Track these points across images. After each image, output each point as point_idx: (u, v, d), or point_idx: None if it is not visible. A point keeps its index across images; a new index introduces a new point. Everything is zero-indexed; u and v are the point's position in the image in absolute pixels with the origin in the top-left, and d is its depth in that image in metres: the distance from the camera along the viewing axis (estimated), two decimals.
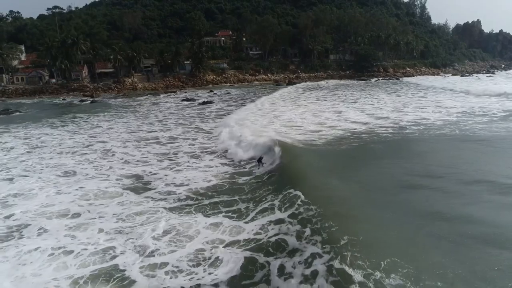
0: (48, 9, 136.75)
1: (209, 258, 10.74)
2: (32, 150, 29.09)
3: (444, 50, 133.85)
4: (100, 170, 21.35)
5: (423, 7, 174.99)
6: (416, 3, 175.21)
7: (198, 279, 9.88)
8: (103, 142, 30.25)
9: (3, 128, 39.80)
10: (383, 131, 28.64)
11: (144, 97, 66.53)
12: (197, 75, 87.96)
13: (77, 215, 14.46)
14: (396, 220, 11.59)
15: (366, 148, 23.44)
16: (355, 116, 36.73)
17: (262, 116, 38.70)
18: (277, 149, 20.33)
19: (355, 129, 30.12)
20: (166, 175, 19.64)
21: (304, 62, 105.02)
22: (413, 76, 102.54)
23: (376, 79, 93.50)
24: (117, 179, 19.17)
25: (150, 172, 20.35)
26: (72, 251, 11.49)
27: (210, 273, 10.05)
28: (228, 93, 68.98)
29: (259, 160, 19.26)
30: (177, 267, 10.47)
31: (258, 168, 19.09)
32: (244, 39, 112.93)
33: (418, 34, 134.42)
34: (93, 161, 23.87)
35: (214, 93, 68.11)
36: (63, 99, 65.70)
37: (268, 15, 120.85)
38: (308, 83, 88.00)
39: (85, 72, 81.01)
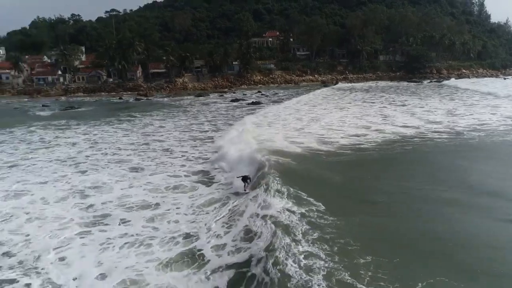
0: (106, 12, 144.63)
1: None
2: (94, 145, 31.41)
3: (504, 51, 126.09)
4: (164, 166, 22.70)
5: (481, 5, 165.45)
6: (473, 1, 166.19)
7: None
8: (159, 140, 31.82)
9: (65, 124, 43.10)
10: (436, 137, 27.93)
11: (193, 96, 68.92)
12: (245, 75, 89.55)
13: (154, 205, 15.73)
14: None
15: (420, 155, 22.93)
16: (405, 120, 36.09)
17: (306, 118, 38.95)
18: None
19: (405, 133, 29.72)
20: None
21: (352, 63, 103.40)
22: (469, 77, 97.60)
23: (429, 80, 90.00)
24: (185, 175, 20.37)
25: (213, 168, 21.41)
26: (154, 237, 12.62)
27: None
28: (276, 93, 69.64)
29: (245, 180, 16.29)
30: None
31: (245, 190, 16.12)
32: (291, 39, 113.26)
33: (476, 34, 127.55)
34: (155, 158, 25.31)
35: (262, 94, 69.02)
36: (119, 98, 69.60)
37: (316, 15, 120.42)
38: (357, 84, 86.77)
39: (139, 72, 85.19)
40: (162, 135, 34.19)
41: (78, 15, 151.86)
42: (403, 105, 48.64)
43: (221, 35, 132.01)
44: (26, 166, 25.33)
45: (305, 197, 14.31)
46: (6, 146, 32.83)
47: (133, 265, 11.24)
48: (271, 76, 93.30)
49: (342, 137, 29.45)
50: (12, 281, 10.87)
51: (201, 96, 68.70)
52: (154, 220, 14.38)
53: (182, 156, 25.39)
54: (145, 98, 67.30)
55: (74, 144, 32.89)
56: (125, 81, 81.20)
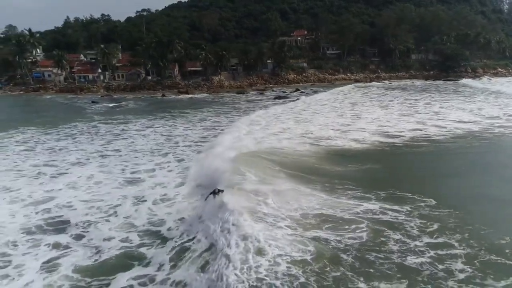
0: (137, 12, 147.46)
1: None
2: (168, 137, 32.63)
3: None
4: None
5: (511, 4, 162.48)
6: None
7: None
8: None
9: (124, 119, 44.58)
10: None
11: (232, 94, 69.97)
12: (279, 74, 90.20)
13: None
14: None
15: None
16: (459, 115, 36.72)
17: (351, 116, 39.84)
18: None
19: (470, 128, 30.50)
20: None
21: (384, 62, 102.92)
22: (506, 76, 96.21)
23: (466, 80, 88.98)
24: None
25: None
26: None
27: None
28: (315, 91, 70.06)
29: (215, 193, 15.23)
30: None
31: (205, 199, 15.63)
32: (320, 38, 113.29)
33: (508, 32, 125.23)
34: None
35: (301, 92, 69.57)
36: (162, 95, 71.26)
37: (343, 14, 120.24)
38: (392, 82, 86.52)
39: (176, 71, 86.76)
40: (223, 129, 34.66)
41: (108, 15, 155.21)
42: (448, 102, 49.09)
43: (248, 34, 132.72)
44: (118, 156, 26.62)
45: None
46: (81, 138, 34.37)
47: None
48: (304, 74, 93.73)
49: (404, 131, 30.77)
50: None
51: (241, 93, 69.73)
52: None
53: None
54: (188, 95, 68.71)
55: (145, 135, 34.23)
56: (163, 79, 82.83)
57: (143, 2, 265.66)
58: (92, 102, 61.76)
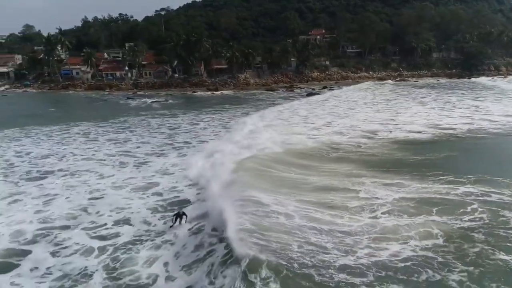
0: (156, 11, 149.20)
1: None
2: (226, 129, 33.57)
3: None
4: None
5: None
6: None
7: None
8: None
9: (170, 113, 45.62)
10: None
11: (262, 91, 70.84)
12: (303, 72, 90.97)
13: None
14: None
15: None
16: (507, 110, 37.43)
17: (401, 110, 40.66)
18: None
19: None
20: None
21: (405, 60, 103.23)
22: None
23: (491, 78, 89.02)
24: None
25: None
26: None
27: None
28: (341, 88, 70.66)
29: (178, 216, 14.07)
30: None
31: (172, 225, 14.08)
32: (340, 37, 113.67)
33: None
34: None
35: (330, 89, 70.25)
36: (193, 92, 72.45)
37: (360, 13, 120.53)
38: (416, 81, 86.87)
39: (201, 68, 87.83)
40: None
41: (126, 15, 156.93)
42: (482, 98, 49.74)
43: (266, 33, 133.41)
44: (192, 147, 27.54)
45: None
46: (138, 131, 35.42)
47: None
48: (327, 72, 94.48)
49: (457, 124, 31.57)
50: None
51: (271, 91, 70.59)
52: None
53: None
54: (218, 92, 69.71)
55: (204, 128, 35.21)
56: (190, 77, 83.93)
57: (158, 2, 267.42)
58: (128, 98, 62.96)
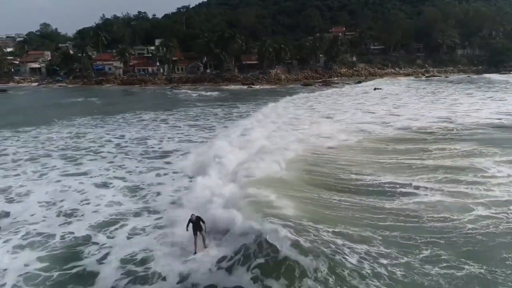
0: (178, 8, 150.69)
1: None
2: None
3: None
4: None
5: None
6: None
7: None
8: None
9: (231, 104, 46.56)
10: None
11: (299, 85, 71.78)
12: (331, 67, 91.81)
13: None
14: None
15: None
16: None
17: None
18: None
19: None
20: None
21: (430, 57, 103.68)
22: None
23: None
24: None
25: None
26: None
27: None
28: (377, 83, 71.41)
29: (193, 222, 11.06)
30: None
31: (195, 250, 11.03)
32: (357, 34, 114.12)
33: None
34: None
35: (366, 84, 71.06)
36: (230, 86, 73.58)
37: (382, 10, 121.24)
38: (449, 76, 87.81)
39: (233, 64, 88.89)
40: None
41: (144, 13, 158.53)
42: None
43: (285, 31, 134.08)
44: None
45: None
46: (213, 118, 36.28)
47: None
48: (355, 69, 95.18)
49: None
50: None
51: (308, 85, 71.47)
52: None
53: None
54: (255, 86, 70.81)
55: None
56: (222, 72, 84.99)
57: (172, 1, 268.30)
58: (171, 89, 64.31)
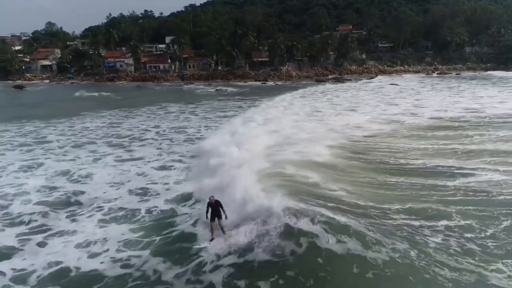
0: (185, 7, 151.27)
1: None
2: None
3: None
4: None
5: None
6: None
7: None
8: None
9: (250, 98, 47.03)
10: None
11: (310, 82, 72.35)
12: (342, 64, 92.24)
13: None
14: None
15: None
16: None
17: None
18: None
19: None
20: None
21: (439, 55, 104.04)
22: None
23: None
24: None
25: None
26: None
27: None
28: (392, 80, 71.92)
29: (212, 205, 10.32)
30: None
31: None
32: (364, 32, 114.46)
33: None
34: None
35: (379, 80, 71.48)
36: (244, 82, 74.47)
37: (385, 9, 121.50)
38: (461, 73, 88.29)
39: (244, 61, 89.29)
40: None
41: (151, 11, 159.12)
42: None
43: (291, 29, 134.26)
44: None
45: None
46: (242, 110, 36.65)
47: None
48: (364, 66, 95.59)
49: None
50: None
51: (321, 81, 72.03)
52: None
53: None
54: (269, 83, 71.38)
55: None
56: (234, 69, 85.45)
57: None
58: (185, 84, 64.81)
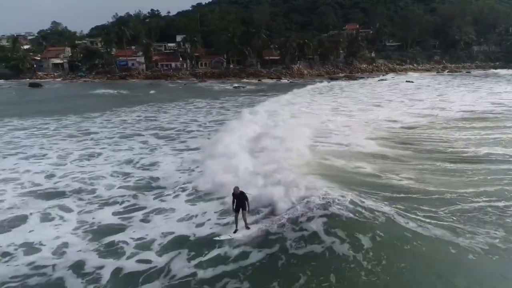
0: (193, 6, 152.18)
1: None
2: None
3: None
4: None
5: None
6: None
7: None
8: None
9: (273, 94, 47.56)
10: None
11: (324, 79, 73.06)
12: (352, 63, 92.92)
13: None
14: None
15: None
16: None
17: None
18: None
19: None
20: None
21: (447, 53, 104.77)
22: None
23: None
24: None
25: None
26: None
27: None
28: (415, 78, 72.29)
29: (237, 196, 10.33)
30: None
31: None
32: (371, 31, 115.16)
33: None
34: None
35: (392, 77, 72.16)
36: (258, 80, 75.17)
37: (391, 8, 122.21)
38: (471, 71, 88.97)
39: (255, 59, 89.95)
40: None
41: (157, 11, 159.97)
42: None
43: (298, 28, 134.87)
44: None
45: None
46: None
47: None
48: (374, 64, 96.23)
49: None
50: None
51: (334, 79, 72.76)
52: None
53: None
54: (284, 80, 72.13)
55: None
56: (246, 67, 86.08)
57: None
58: (200, 82, 65.37)
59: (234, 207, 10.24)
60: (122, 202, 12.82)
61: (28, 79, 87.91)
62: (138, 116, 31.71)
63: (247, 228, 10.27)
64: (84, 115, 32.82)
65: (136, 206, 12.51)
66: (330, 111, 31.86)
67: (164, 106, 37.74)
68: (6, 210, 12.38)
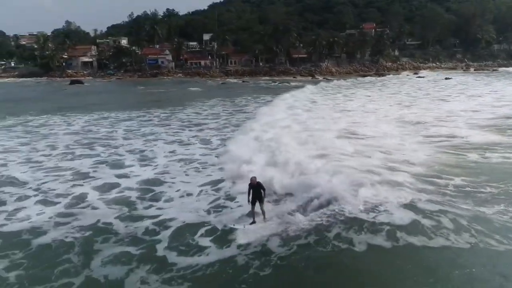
0: (209, 5, 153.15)
1: None
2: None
3: None
4: None
5: None
6: None
7: None
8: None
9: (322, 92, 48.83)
10: None
11: (354, 77, 74.42)
12: (378, 61, 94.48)
13: None
14: None
15: None
16: None
17: None
18: None
19: None
20: None
21: (468, 52, 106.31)
22: None
23: None
24: None
25: None
26: None
27: None
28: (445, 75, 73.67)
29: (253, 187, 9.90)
30: None
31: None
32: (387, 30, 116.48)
33: None
34: None
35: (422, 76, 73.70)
36: (293, 77, 76.49)
37: (400, 7, 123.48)
38: (498, 69, 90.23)
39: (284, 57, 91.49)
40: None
41: (173, 10, 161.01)
42: None
43: (314, 27, 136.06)
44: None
45: None
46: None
47: None
48: (398, 63, 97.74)
49: None
50: None
51: (363, 77, 74.67)
52: None
53: None
54: (321, 78, 74.12)
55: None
56: (275, 65, 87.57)
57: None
58: (243, 81, 66.63)
59: (250, 198, 9.73)
60: None
61: (57, 78, 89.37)
62: (223, 106, 33.09)
63: (265, 220, 9.84)
64: (166, 109, 33.71)
65: None
66: (395, 104, 33.55)
67: (235, 100, 39.08)
68: None
